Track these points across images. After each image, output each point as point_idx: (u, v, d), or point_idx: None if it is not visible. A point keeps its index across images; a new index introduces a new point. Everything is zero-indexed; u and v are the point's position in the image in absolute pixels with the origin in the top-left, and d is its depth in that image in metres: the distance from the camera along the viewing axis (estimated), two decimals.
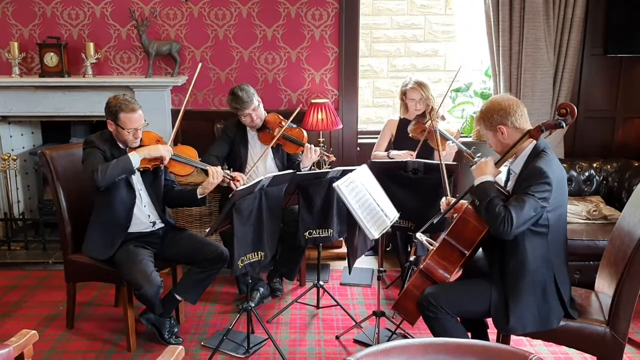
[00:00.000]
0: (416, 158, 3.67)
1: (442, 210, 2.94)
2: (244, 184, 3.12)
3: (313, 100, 4.49)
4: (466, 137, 4.77)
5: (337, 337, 3.43)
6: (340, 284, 4.14)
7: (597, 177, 4.37)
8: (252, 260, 3.09)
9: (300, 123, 4.26)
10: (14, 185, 4.72)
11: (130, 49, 4.63)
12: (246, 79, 4.58)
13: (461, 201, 2.85)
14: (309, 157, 3.75)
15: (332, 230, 3.51)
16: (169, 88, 4.60)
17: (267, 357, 3.24)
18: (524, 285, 2.57)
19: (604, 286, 2.75)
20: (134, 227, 3.29)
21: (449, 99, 4.86)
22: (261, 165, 3.94)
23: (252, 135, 3.95)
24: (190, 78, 4.65)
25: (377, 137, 4.33)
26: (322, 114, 4.34)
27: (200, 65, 3.74)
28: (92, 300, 3.88)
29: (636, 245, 2.48)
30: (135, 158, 3.13)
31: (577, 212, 4.03)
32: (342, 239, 3.92)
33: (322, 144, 4.44)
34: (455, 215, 2.82)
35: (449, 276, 2.68)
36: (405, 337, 3.36)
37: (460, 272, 2.77)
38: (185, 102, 3.66)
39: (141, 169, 3.28)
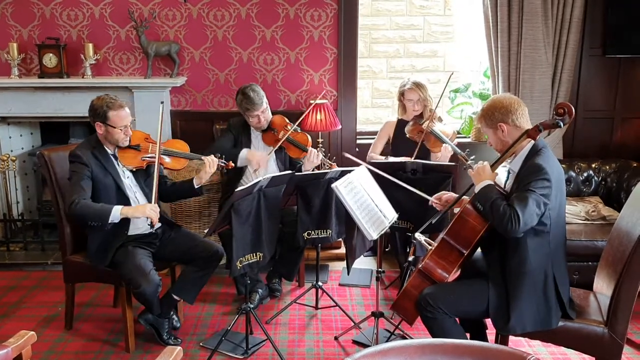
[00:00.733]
0: (414, 159, 3.67)
1: (438, 210, 2.96)
2: (242, 186, 3.12)
3: (312, 101, 4.49)
4: (465, 137, 4.77)
5: (336, 338, 3.43)
6: (339, 284, 4.14)
7: (595, 178, 4.37)
8: (250, 261, 3.10)
9: (302, 127, 4.25)
10: (13, 186, 4.72)
11: (129, 50, 4.63)
12: (245, 80, 4.58)
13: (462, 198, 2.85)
14: (311, 161, 3.76)
15: (330, 231, 3.51)
16: (168, 89, 4.60)
17: (265, 358, 3.24)
18: (525, 284, 2.57)
19: (603, 287, 2.75)
20: (132, 231, 3.27)
21: (448, 100, 4.86)
22: (262, 168, 3.93)
23: (255, 135, 3.95)
24: (189, 78, 4.66)
25: (374, 141, 4.33)
26: (321, 114, 4.34)
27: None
28: (90, 301, 3.88)
29: (634, 245, 2.48)
30: (116, 215, 3.07)
31: (575, 212, 4.03)
32: (340, 239, 3.92)
33: (321, 145, 4.44)
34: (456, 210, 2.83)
35: (447, 276, 2.68)
36: (404, 337, 3.36)
37: (458, 272, 2.78)
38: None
39: (135, 169, 3.29)
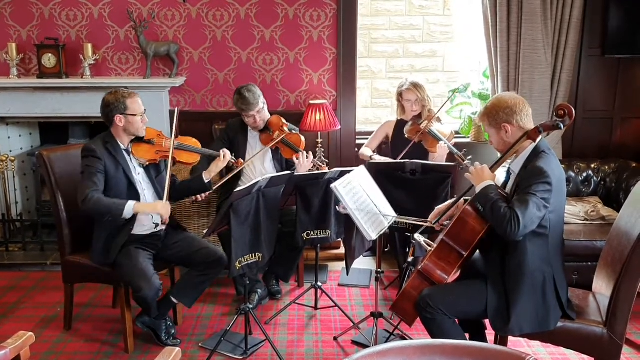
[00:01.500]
0: (411, 159, 3.67)
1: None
2: (241, 187, 3.12)
3: (311, 101, 4.49)
4: (464, 137, 4.78)
5: (335, 339, 3.43)
6: (339, 285, 4.14)
7: (595, 178, 4.37)
8: (249, 262, 3.09)
9: (298, 124, 4.25)
10: (12, 187, 4.72)
11: (128, 50, 4.63)
12: (244, 80, 4.57)
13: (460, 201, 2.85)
14: (301, 164, 3.73)
15: (330, 231, 3.51)
16: (167, 89, 4.60)
17: (264, 359, 3.24)
18: (524, 286, 2.57)
19: (602, 287, 2.76)
20: (136, 230, 3.27)
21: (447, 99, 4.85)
22: (260, 167, 3.93)
23: (253, 135, 3.95)
24: (189, 78, 4.65)
25: (369, 138, 4.33)
26: (320, 114, 4.34)
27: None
28: (89, 302, 3.87)
29: (634, 245, 2.48)
30: (129, 211, 3.10)
31: (575, 212, 4.03)
32: (340, 240, 3.92)
33: (320, 146, 4.44)
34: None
35: (447, 277, 2.68)
36: (403, 338, 3.36)
37: (458, 273, 2.77)
38: None
39: (147, 164, 3.30)
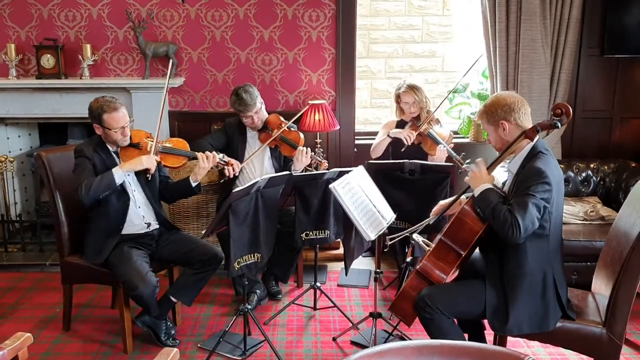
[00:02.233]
0: (411, 160, 3.66)
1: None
2: (240, 187, 3.11)
3: (310, 102, 4.48)
4: (463, 137, 4.77)
5: (334, 339, 3.43)
6: (338, 285, 4.14)
7: (594, 178, 4.36)
8: (248, 262, 3.09)
9: (297, 124, 4.25)
10: (11, 187, 4.72)
11: (127, 51, 4.62)
12: (243, 80, 4.57)
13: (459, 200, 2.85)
14: (300, 160, 3.73)
15: (329, 232, 3.51)
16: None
17: (263, 359, 3.23)
18: (523, 286, 2.57)
19: (601, 287, 2.75)
20: (128, 229, 3.29)
21: (446, 100, 4.85)
22: (258, 166, 3.93)
23: (252, 135, 3.95)
24: (187, 79, 4.65)
25: (374, 138, 4.32)
26: (319, 115, 4.34)
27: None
28: (88, 302, 3.87)
29: (633, 245, 2.48)
30: (119, 175, 3.14)
31: (574, 212, 4.03)
32: (339, 240, 3.92)
33: (319, 146, 4.44)
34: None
35: (445, 277, 2.67)
36: (402, 338, 3.36)
37: (456, 273, 2.77)
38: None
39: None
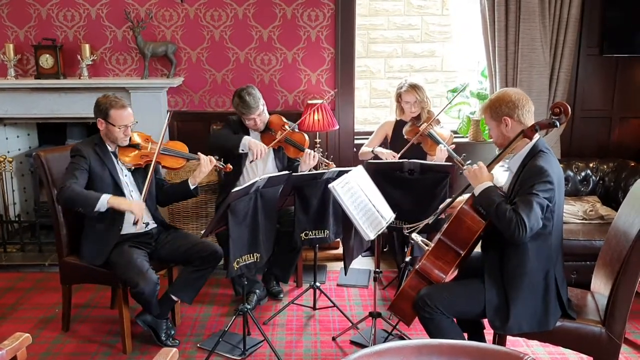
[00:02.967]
0: (409, 160, 3.67)
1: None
2: (239, 187, 3.11)
3: (309, 101, 4.48)
4: (462, 137, 4.77)
5: (334, 339, 3.43)
6: (337, 285, 4.13)
7: (593, 177, 4.37)
8: (248, 262, 3.09)
9: (298, 126, 4.25)
10: (9, 188, 4.72)
11: (126, 51, 4.62)
12: (242, 80, 4.58)
13: (457, 199, 2.84)
14: (307, 162, 3.74)
15: (328, 231, 3.51)
16: (165, 89, 4.59)
17: (263, 359, 3.23)
18: (523, 285, 2.56)
19: (600, 286, 2.75)
20: (126, 229, 3.29)
21: (445, 99, 4.85)
22: (261, 166, 3.92)
23: (254, 135, 3.94)
24: (186, 79, 4.65)
25: (369, 138, 4.33)
26: (319, 114, 4.34)
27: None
28: (88, 303, 3.87)
29: (632, 245, 2.48)
30: (103, 204, 3.09)
31: (573, 212, 4.03)
32: (338, 240, 3.92)
33: (318, 145, 4.44)
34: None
35: (444, 276, 2.67)
36: (401, 338, 3.36)
37: (456, 272, 2.77)
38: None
39: (133, 168, 3.30)
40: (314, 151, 3.83)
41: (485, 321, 3.01)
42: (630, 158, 4.43)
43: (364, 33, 5.07)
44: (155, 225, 3.41)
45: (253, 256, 3.12)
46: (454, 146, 3.97)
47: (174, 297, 3.32)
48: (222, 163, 3.49)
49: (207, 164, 3.40)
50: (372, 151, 4.10)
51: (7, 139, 4.78)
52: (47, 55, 4.46)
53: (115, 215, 3.23)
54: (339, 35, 4.57)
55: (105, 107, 3.20)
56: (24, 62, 4.63)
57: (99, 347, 3.34)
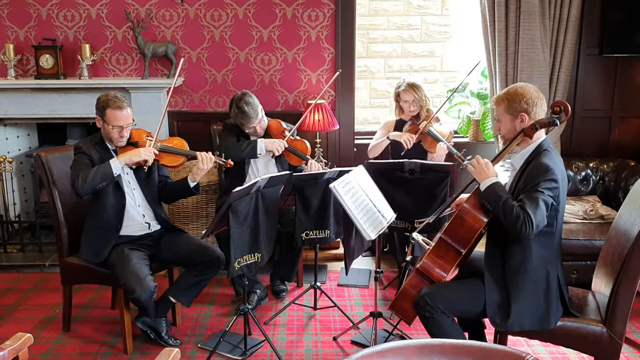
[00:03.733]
0: (411, 159, 3.67)
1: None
2: (240, 187, 3.11)
3: (309, 101, 4.48)
4: (462, 137, 4.77)
5: (335, 339, 3.43)
6: (338, 285, 4.13)
7: (593, 177, 4.37)
8: (248, 262, 3.09)
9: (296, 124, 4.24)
10: (9, 188, 4.71)
11: (126, 51, 4.62)
12: (242, 80, 4.58)
13: (460, 197, 2.85)
14: (311, 170, 3.73)
15: (329, 231, 3.51)
16: (165, 89, 4.59)
17: (264, 359, 3.23)
18: (525, 283, 2.56)
19: (601, 286, 2.75)
20: (128, 229, 3.28)
21: (444, 99, 4.85)
22: (263, 170, 3.90)
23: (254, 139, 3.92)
24: (187, 79, 4.65)
25: (374, 138, 4.33)
26: (319, 114, 4.34)
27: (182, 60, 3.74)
28: (88, 303, 3.87)
29: (633, 244, 2.48)
30: (116, 165, 3.12)
31: (573, 211, 4.03)
32: (339, 239, 3.92)
33: (318, 145, 4.44)
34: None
35: (445, 275, 2.68)
36: (402, 337, 3.36)
37: (456, 271, 2.77)
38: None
39: (134, 167, 3.29)
40: (315, 160, 3.82)
41: (486, 321, 3.02)
42: (631, 158, 4.43)
43: (364, 33, 5.08)
44: (158, 227, 3.41)
45: (254, 256, 3.12)
46: (452, 144, 3.98)
47: (172, 299, 3.31)
48: (222, 159, 3.46)
49: (206, 161, 3.33)
50: (388, 137, 4.06)
51: (7, 139, 4.78)
52: (47, 56, 4.46)
53: (116, 214, 3.23)
54: (339, 36, 4.57)
55: (102, 106, 3.19)
56: (24, 62, 4.63)
57: (99, 348, 3.34)
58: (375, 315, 3.25)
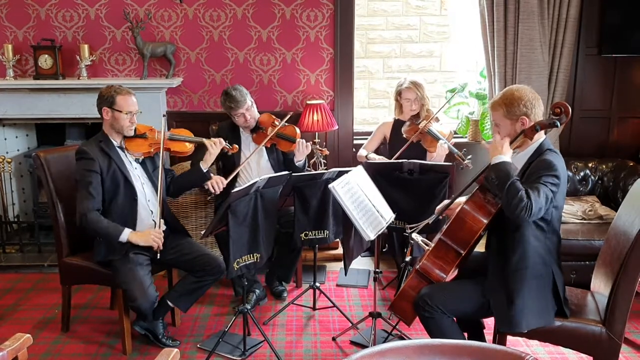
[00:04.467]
0: (409, 160, 3.67)
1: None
2: (239, 187, 3.11)
3: (308, 102, 4.48)
4: (461, 137, 4.78)
5: (334, 339, 3.43)
6: (337, 285, 4.13)
7: (592, 177, 4.37)
8: (247, 262, 3.09)
9: (295, 124, 4.24)
10: (8, 188, 4.71)
11: (124, 51, 4.61)
12: (241, 81, 4.57)
13: (457, 200, 2.84)
14: (301, 151, 3.74)
15: (328, 232, 3.51)
16: (164, 90, 4.59)
17: (263, 359, 3.23)
18: (526, 280, 2.56)
19: (600, 286, 2.76)
20: (136, 228, 3.25)
21: (444, 100, 4.86)
22: (255, 166, 3.91)
23: (245, 137, 3.93)
24: (185, 79, 4.65)
25: (370, 136, 4.33)
26: (318, 115, 4.34)
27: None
28: (87, 303, 3.86)
29: (632, 245, 2.48)
30: (125, 237, 3.11)
31: (572, 212, 4.03)
32: (338, 240, 3.92)
33: (318, 140, 4.43)
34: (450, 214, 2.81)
35: (445, 276, 2.68)
36: (401, 338, 3.36)
37: (456, 272, 2.77)
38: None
39: (142, 158, 3.30)
40: (314, 150, 3.83)
41: (485, 321, 3.02)
42: (629, 158, 4.44)
43: (363, 33, 5.08)
44: (165, 227, 3.39)
45: (253, 256, 3.12)
46: (452, 143, 3.98)
47: (170, 304, 3.31)
48: (228, 144, 3.59)
49: (212, 146, 3.49)
50: (366, 157, 4.12)
51: (5, 139, 4.77)
52: (46, 56, 4.45)
53: (129, 211, 3.23)
54: (338, 36, 4.57)
55: (111, 95, 3.19)
56: (22, 62, 4.62)
57: (99, 348, 3.34)
58: (375, 315, 3.25)
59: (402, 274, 3.58)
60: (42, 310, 3.77)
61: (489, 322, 3.07)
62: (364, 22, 5.05)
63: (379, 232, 2.96)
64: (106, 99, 3.20)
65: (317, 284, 3.74)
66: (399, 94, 4.12)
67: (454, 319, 2.71)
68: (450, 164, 3.64)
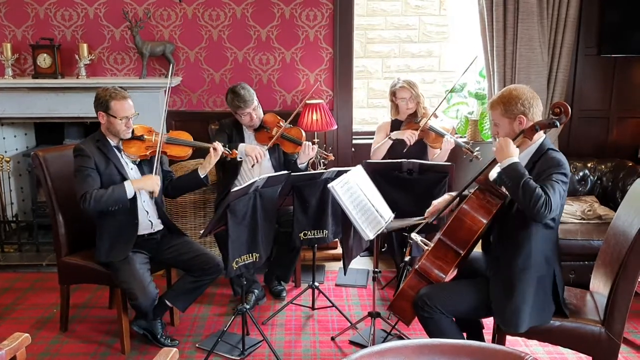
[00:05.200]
0: (410, 159, 3.67)
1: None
2: (238, 187, 3.10)
3: (307, 101, 4.48)
4: (460, 137, 4.77)
5: (333, 339, 3.43)
6: (336, 285, 4.13)
7: (591, 177, 4.38)
8: (246, 262, 3.09)
9: (295, 124, 4.24)
10: (7, 188, 4.70)
11: (124, 50, 4.61)
12: (240, 80, 4.55)
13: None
14: (306, 153, 3.74)
15: (327, 231, 3.51)
16: (163, 89, 4.58)
17: (262, 359, 3.23)
18: (530, 279, 2.56)
19: (599, 286, 2.76)
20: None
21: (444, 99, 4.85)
22: (257, 167, 3.91)
23: (248, 135, 3.92)
24: (185, 78, 4.64)
25: (372, 137, 4.32)
26: (317, 114, 4.34)
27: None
28: (86, 303, 3.86)
29: (631, 245, 2.48)
30: (131, 189, 3.11)
31: (571, 212, 4.04)
32: (337, 239, 3.92)
33: (316, 143, 4.43)
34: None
35: (444, 276, 2.67)
36: (400, 338, 3.36)
37: (455, 272, 2.77)
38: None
39: (139, 160, 3.29)
40: (316, 152, 3.82)
41: (484, 320, 3.02)
42: (628, 158, 4.44)
43: (362, 33, 5.07)
44: (161, 227, 3.39)
45: (252, 256, 3.11)
46: (458, 137, 3.97)
47: (168, 303, 3.30)
48: (227, 149, 3.50)
49: (215, 152, 3.41)
50: (390, 137, 4.03)
51: (4, 138, 4.76)
52: (45, 55, 4.45)
53: (130, 210, 3.20)
54: (337, 35, 4.57)
55: (106, 100, 3.16)
56: (21, 61, 4.62)
57: (97, 348, 3.34)
58: (374, 315, 3.25)
59: (401, 273, 3.58)
60: (40, 309, 3.77)
61: (488, 322, 3.07)
62: (363, 21, 5.05)
63: (378, 232, 2.96)
64: (101, 102, 3.17)
65: (316, 284, 3.74)
66: (393, 94, 4.10)
67: (453, 319, 2.70)
68: (449, 163, 3.64)
